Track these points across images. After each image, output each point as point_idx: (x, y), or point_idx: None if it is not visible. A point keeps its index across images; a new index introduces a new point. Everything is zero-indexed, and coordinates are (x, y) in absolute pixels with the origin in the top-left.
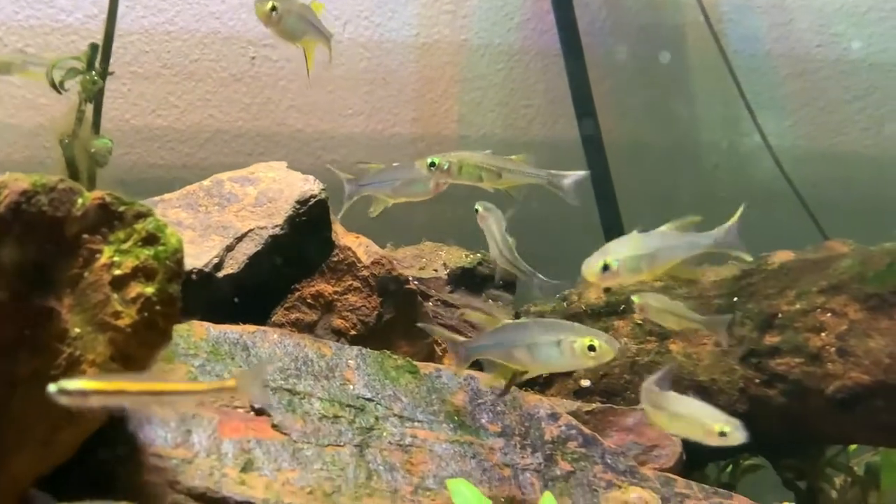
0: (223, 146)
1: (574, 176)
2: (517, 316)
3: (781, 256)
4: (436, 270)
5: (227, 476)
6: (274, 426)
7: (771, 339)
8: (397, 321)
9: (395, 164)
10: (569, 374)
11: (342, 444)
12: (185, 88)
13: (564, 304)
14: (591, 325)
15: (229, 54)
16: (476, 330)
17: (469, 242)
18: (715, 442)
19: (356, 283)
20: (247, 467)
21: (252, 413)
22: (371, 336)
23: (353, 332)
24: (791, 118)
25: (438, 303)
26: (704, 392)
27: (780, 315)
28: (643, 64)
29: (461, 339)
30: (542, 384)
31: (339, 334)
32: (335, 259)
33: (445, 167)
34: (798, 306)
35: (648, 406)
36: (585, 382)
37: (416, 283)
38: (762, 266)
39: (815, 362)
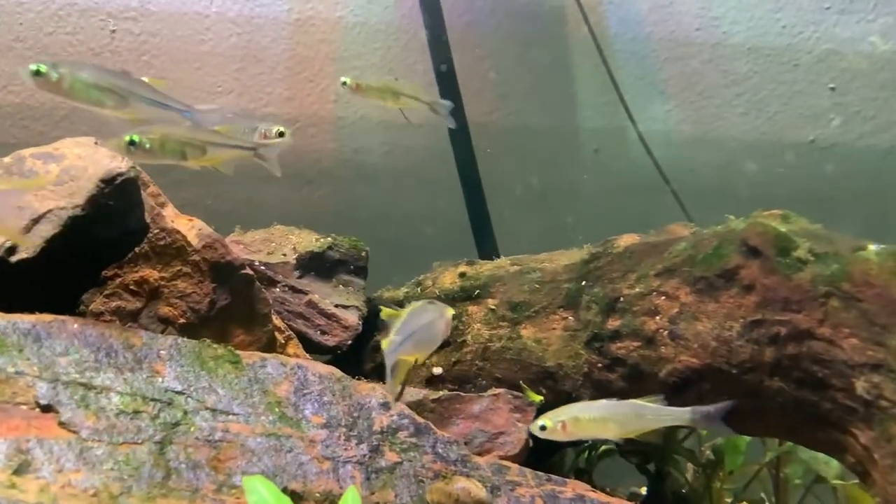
0: (81, 125)
1: (276, 147)
2: (369, 301)
3: (627, 240)
4: (284, 255)
5: None
6: (61, 424)
7: (613, 323)
8: (234, 308)
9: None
10: (422, 363)
11: (140, 441)
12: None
13: (418, 289)
14: None
15: (87, 27)
16: (318, 312)
17: (324, 225)
18: None
19: (186, 269)
20: (21, 469)
21: (37, 410)
22: (204, 325)
23: (182, 321)
24: (670, 103)
25: (286, 288)
26: (551, 378)
27: (621, 299)
28: (523, 46)
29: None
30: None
31: (166, 323)
32: (162, 243)
33: (147, 146)
34: (637, 290)
35: None
36: (437, 370)
37: (262, 268)
38: (608, 249)
39: (650, 346)
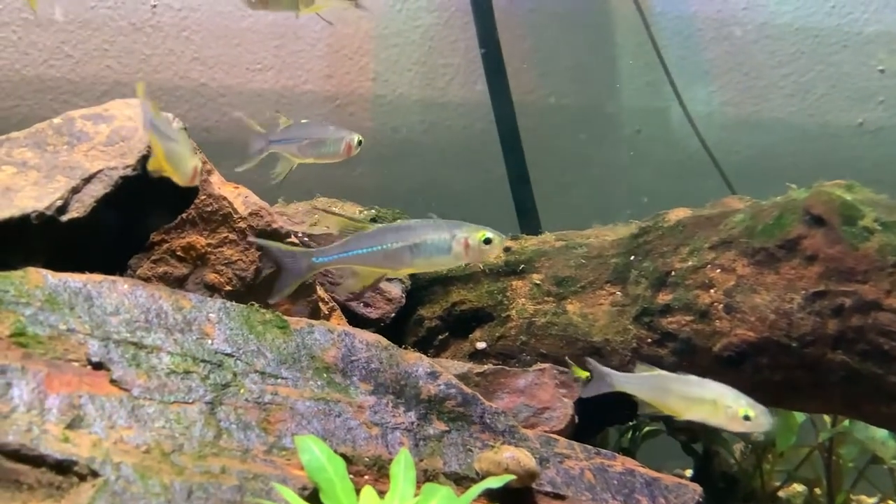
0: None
1: None
2: (412, 274)
3: (678, 213)
4: (327, 227)
5: (47, 433)
6: (113, 381)
7: (664, 298)
8: (278, 277)
9: (303, 121)
10: (465, 337)
11: (191, 401)
12: (81, 37)
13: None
14: (490, 284)
15: (128, 2)
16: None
17: (364, 199)
18: (739, 427)
19: (232, 236)
20: (74, 424)
21: (89, 367)
22: (249, 292)
23: (228, 288)
24: (715, 83)
25: None
26: (598, 353)
27: (673, 273)
28: (565, 24)
29: (300, 249)
30: (438, 346)
31: (212, 290)
32: (209, 209)
33: None
34: (690, 263)
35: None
36: (481, 345)
37: (306, 239)
38: (658, 223)
39: (703, 320)
